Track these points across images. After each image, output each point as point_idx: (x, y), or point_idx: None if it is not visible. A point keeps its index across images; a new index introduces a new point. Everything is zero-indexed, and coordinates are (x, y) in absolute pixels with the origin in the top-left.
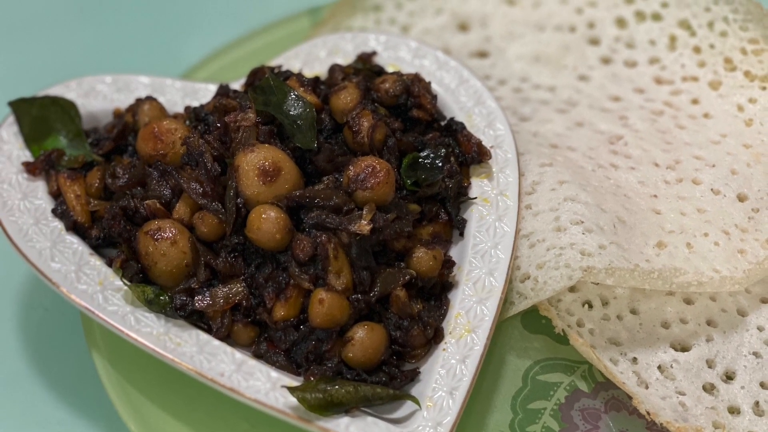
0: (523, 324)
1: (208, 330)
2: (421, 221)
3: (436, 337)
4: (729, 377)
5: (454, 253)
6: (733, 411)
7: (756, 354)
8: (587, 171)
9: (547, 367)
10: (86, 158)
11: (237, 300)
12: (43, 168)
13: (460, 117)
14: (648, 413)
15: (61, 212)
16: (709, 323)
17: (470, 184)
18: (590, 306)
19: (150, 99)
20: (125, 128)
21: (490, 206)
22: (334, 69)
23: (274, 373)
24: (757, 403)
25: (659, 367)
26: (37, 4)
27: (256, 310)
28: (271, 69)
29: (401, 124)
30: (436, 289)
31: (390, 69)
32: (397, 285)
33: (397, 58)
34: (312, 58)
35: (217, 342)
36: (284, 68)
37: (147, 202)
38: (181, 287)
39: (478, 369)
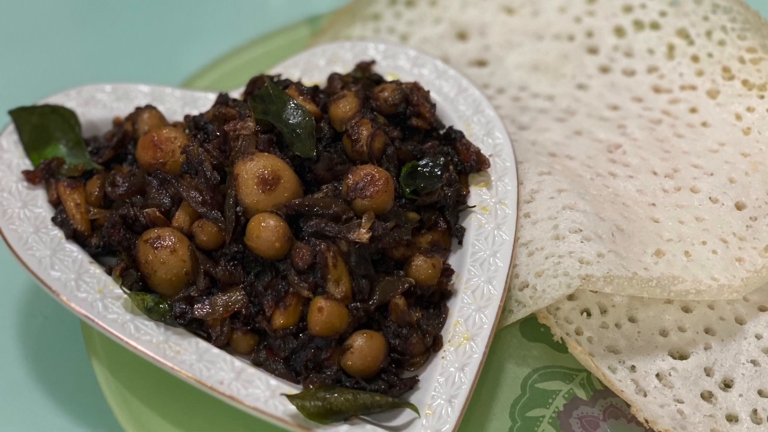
0: (522, 332)
1: (208, 338)
2: (420, 229)
3: (435, 345)
4: (727, 385)
5: (452, 261)
6: (732, 419)
7: (754, 362)
8: (586, 179)
9: (546, 375)
10: (86, 167)
11: (236, 308)
12: (43, 176)
13: (458, 126)
14: (646, 421)
15: (60, 220)
16: (707, 331)
17: (469, 192)
18: (589, 314)
19: (149, 108)
20: (125, 137)
21: (489, 215)
22: (333, 78)
23: (274, 381)
24: (755, 411)
25: (657, 375)
26: (38, 14)
27: (256, 318)
28: (271, 78)
29: (400, 132)
30: (435, 298)
31: (389, 78)
32: (396, 293)
33: (396, 66)
34: (311, 67)
35: (216, 350)
36: (283, 77)
37: (146, 210)
38: (180, 295)
39: (476, 377)
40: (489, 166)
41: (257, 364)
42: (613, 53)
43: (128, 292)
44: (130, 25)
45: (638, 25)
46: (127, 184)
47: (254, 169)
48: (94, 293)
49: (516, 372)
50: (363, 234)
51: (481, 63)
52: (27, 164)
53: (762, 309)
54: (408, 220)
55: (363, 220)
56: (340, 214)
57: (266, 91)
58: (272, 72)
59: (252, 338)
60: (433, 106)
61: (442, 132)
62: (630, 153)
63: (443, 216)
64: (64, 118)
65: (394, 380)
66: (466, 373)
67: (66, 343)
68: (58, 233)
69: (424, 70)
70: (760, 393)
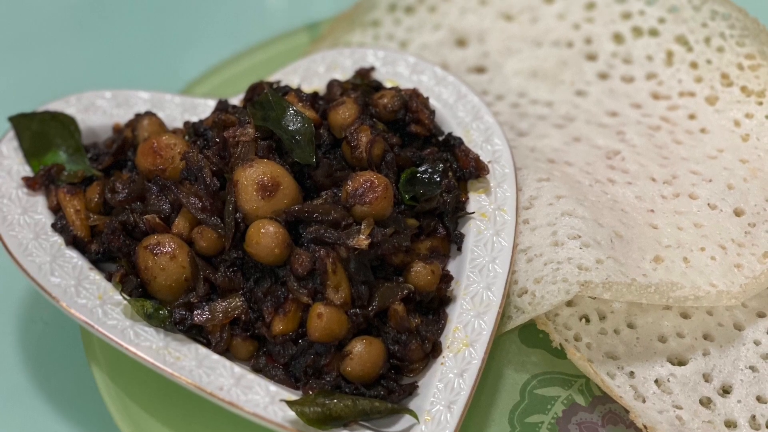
0: (521, 338)
1: (207, 344)
2: (419, 236)
3: (434, 351)
4: (726, 391)
5: (452, 267)
6: (730, 425)
7: (752, 368)
8: (584, 186)
9: (545, 381)
10: (86, 173)
11: (236, 314)
12: (43, 183)
13: (458, 132)
14: (645, 427)
15: (60, 227)
16: (705, 337)
17: (468, 199)
18: (587, 320)
19: (149, 114)
20: (125, 143)
21: (488, 221)
22: (332, 84)
23: (273, 387)
24: (753, 417)
25: (656, 381)
26: (37, 20)
27: (255, 325)
28: (270, 84)
29: (399, 139)
30: (434, 304)
31: (388, 84)
32: (396, 299)
33: (396, 73)
34: (311, 73)
35: (216, 356)
36: (283, 84)
37: (146, 216)
38: (180, 301)
39: (475, 383)
40: (488, 172)
41: (257, 370)
42: (611, 60)
43: (128, 298)
44: (129, 32)
45: (637, 31)
46: (126, 191)
47: (254, 176)
48: (93, 299)
49: (515, 378)
50: (362, 240)
51: (480, 70)
52: (27, 171)
53: (760, 315)
54: (407, 227)
55: (362, 227)
56: (339, 221)
57: (266, 98)
58: (272, 78)
59: (251, 344)
60: (432, 112)
61: (441, 138)
62: (629, 159)
63: (442, 222)
64: (64, 124)
65: (393, 386)
66: (465, 379)
67: (66, 349)
68: (57, 239)
69: (423, 76)
70: (759, 399)
